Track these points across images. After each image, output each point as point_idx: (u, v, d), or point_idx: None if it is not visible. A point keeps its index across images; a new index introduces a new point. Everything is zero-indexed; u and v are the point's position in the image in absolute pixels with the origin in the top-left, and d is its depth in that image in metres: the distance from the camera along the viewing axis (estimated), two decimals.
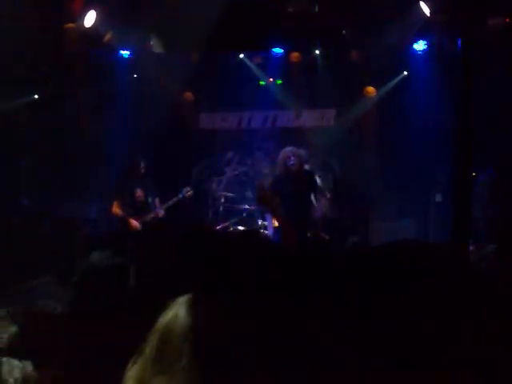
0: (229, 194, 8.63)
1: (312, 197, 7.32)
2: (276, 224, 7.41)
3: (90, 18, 8.19)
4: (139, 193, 7.86)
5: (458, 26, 7.87)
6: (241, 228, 7.89)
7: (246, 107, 9.78)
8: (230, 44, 8.46)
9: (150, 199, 7.88)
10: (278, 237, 7.19)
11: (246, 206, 8.38)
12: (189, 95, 9.71)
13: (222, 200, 8.58)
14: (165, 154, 9.10)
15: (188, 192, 7.99)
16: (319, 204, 7.34)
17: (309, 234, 7.32)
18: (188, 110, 9.75)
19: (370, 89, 9.21)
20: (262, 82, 9.67)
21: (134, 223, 7.71)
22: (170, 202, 7.92)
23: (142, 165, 7.90)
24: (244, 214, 8.39)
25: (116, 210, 7.83)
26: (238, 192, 8.74)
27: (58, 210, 8.43)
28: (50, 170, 8.87)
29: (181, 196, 7.97)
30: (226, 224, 8.23)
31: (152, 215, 7.81)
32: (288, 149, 7.39)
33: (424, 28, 8.15)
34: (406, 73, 9.17)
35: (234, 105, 9.71)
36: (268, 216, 7.39)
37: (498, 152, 8.07)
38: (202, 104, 9.83)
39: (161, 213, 7.85)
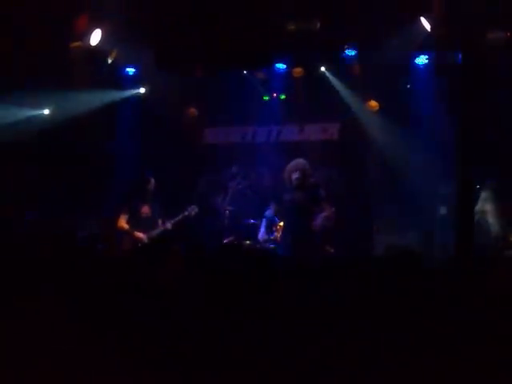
0: (233, 209, 8.69)
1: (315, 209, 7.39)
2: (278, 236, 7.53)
3: (95, 37, 8.30)
4: (146, 209, 7.93)
5: (458, 40, 7.97)
6: (246, 242, 7.95)
7: (250, 122, 9.86)
8: (232, 62, 8.55)
9: (155, 217, 7.95)
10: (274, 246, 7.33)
11: (251, 221, 8.43)
12: (193, 111, 9.80)
13: (227, 214, 8.64)
14: (168, 169, 9.17)
15: (194, 210, 8.07)
16: (320, 216, 7.38)
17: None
18: (192, 125, 9.83)
19: (373, 103, 9.28)
20: (265, 97, 9.76)
21: (140, 235, 7.76)
22: (177, 219, 7.98)
23: (151, 182, 7.98)
24: (248, 228, 8.44)
25: (122, 223, 7.89)
26: (243, 206, 8.80)
27: (62, 225, 8.47)
28: (55, 183, 8.93)
29: (186, 214, 8.04)
30: (231, 238, 8.28)
31: (161, 229, 7.87)
32: (294, 162, 7.48)
33: (425, 43, 8.22)
34: (408, 86, 9.25)
35: (238, 120, 9.80)
36: (263, 221, 7.49)
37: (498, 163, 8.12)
38: (206, 119, 9.91)
39: (169, 226, 7.91)
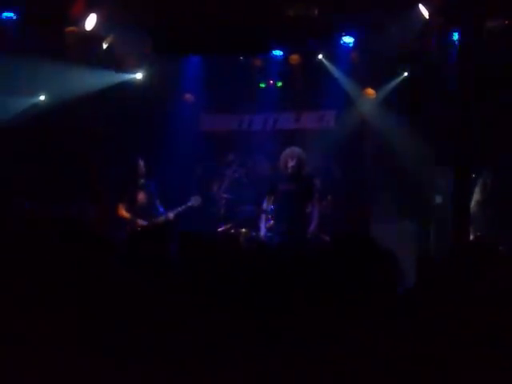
0: (230, 196, 8.66)
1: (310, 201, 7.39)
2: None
3: (90, 22, 8.22)
4: (141, 196, 7.87)
5: (457, 27, 7.93)
6: (242, 230, 7.93)
7: (247, 109, 9.81)
8: (229, 48, 8.50)
9: (152, 201, 7.87)
10: (271, 237, 7.32)
11: (247, 208, 8.40)
12: (189, 97, 9.74)
13: (223, 202, 8.61)
14: (165, 157, 9.13)
15: (197, 201, 7.98)
16: (316, 210, 7.41)
17: (309, 236, 7.39)
18: (188, 112, 9.78)
19: (370, 90, 9.25)
20: (262, 85, 9.71)
21: (143, 223, 7.69)
22: (180, 209, 7.90)
23: (141, 165, 7.88)
24: (245, 216, 8.42)
25: (122, 212, 7.80)
26: (239, 194, 8.78)
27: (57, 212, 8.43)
28: (50, 170, 8.88)
29: (190, 204, 7.97)
30: (228, 226, 8.26)
31: (163, 218, 7.79)
32: (289, 150, 7.46)
33: (423, 30, 8.18)
34: (406, 74, 9.21)
35: (235, 107, 9.75)
36: (262, 216, 7.46)
37: (497, 153, 8.10)
38: (203, 106, 9.86)
39: (171, 216, 7.83)
